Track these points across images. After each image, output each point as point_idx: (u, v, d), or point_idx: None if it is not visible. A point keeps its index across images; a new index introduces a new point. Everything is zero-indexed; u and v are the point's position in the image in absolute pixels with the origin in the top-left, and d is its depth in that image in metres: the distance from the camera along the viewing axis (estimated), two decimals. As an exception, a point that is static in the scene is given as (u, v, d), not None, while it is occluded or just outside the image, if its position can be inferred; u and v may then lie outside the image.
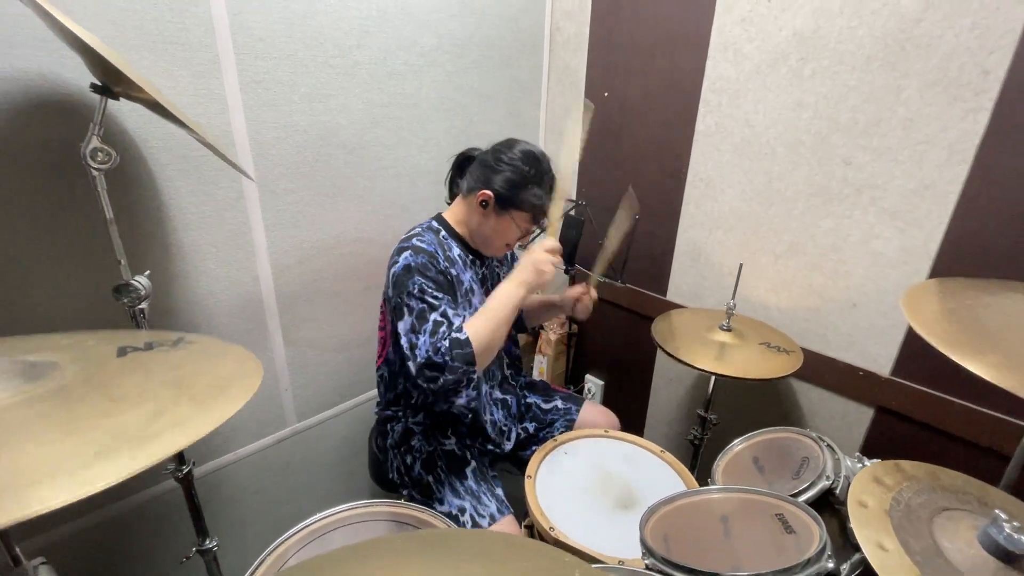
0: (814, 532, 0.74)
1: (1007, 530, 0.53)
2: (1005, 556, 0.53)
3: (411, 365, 0.98)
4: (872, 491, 0.64)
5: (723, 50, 1.34)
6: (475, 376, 0.98)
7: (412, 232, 1.09)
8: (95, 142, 0.75)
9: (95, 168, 0.76)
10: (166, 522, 1.19)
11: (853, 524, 0.59)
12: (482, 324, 1.00)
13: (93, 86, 0.75)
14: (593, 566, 0.60)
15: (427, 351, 0.96)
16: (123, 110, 0.95)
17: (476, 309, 1.15)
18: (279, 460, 1.39)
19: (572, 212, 1.60)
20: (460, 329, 0.98)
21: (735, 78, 1.33)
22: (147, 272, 0.89)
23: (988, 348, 0.65)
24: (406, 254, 1.03)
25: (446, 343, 0.96)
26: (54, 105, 0.88)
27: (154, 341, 0.60)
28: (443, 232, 1.13)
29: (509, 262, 1.33)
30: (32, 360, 0.48)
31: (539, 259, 1.06)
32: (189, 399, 0.45)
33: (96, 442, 0.38)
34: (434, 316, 0.98)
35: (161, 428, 0.40)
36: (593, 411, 1.36)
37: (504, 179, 1.06)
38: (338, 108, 1.25)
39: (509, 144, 1.10)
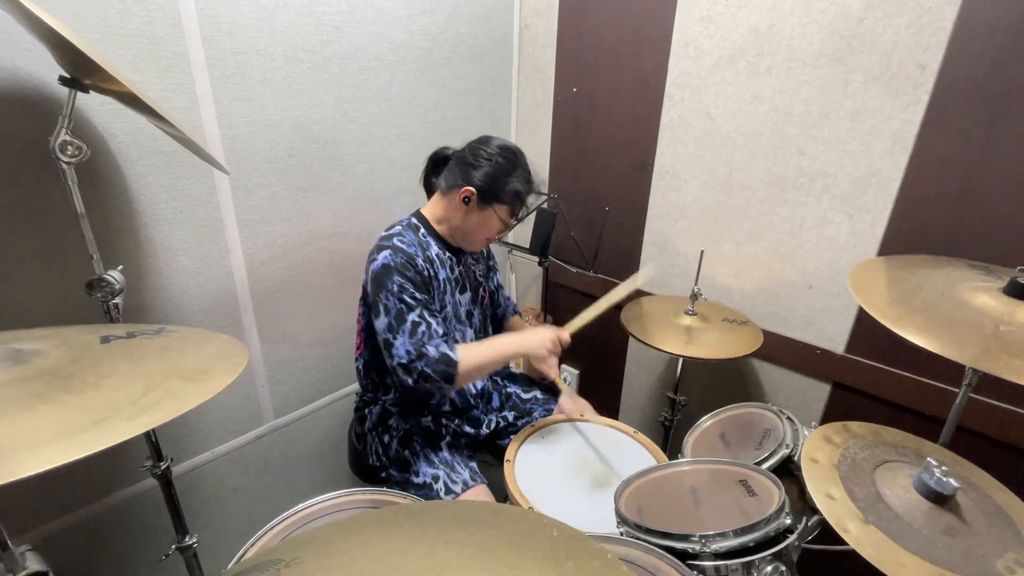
0: (774, 493, 0.80)
1: (937, 475, 0.59)
2: (936, 498, 0.60)
3: (388, 361, 1.00)
4: (822, 448, 0.70)
5: (684, 47, 1.39)
6: (449, 393, 1.02)
7: (392, 231, 1.10)
8: (64, 135, 0.74)
9: (65, 162, 0.75)
10: (145, 521, 1.18)
11: (806, 478, 0.64)
12: (477, 354, 1.05)
13: (62, 79, 0.74)
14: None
15: (406, 352, 0.97)
16: (91, 104, 0.94)
17: (449, 307, 1.17)
18: (258, 457, 1.39)
19: (544, 205, 1.64)
20: (453, 348, 1.02)
21: (696, 73, 1.39)
22: (120, 267, 0.88)
23: (921, 318, 0.71)
24: (385, 253, 1.04)
25: (433, 351, 0.98)
26: (18, 99, 0.87)
27: (135, 331, 0.61)
28: (423, 230, 1.14)
29: (485, 259, 1.35)
30: (17, 347, 0.48)
31: (550, 338, 1.11)
32: (179, 376, 0.47)
33: (93, 411, 0.39)
34: (412, 316, 1.00)
35: (155, 400, 0.42)
36: (570, 404, 1.39)
37: (484, 174, 1.09)
38: (310, 103, 1.25)
39: (485, 140, 1.13)
